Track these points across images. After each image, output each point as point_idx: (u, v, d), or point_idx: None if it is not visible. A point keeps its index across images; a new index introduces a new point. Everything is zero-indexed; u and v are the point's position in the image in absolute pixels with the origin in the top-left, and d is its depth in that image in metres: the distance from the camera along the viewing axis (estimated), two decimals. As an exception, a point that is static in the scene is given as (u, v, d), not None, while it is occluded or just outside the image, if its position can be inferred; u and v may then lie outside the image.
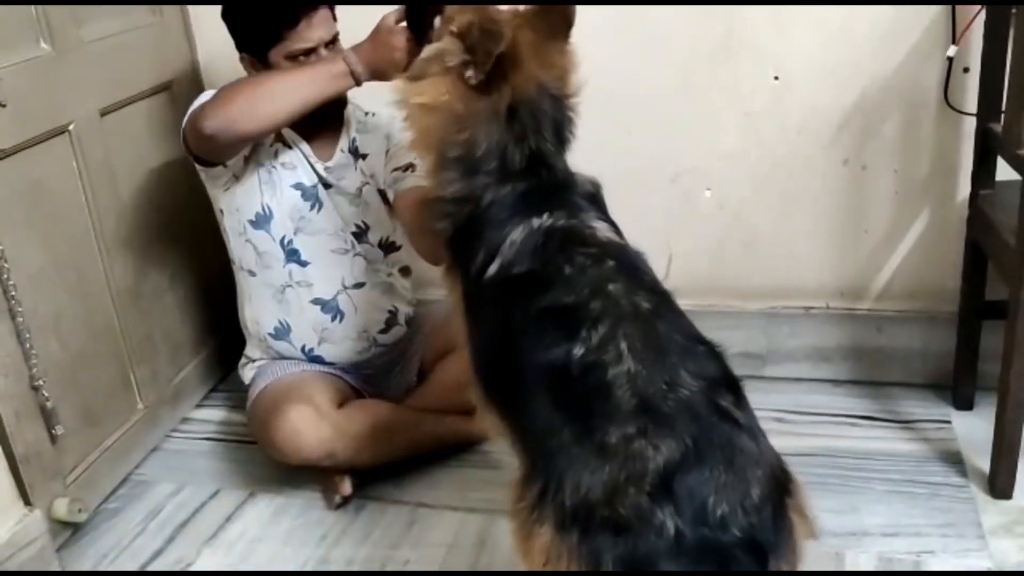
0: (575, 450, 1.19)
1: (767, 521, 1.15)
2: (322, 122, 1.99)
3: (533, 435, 1.29)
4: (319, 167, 2.03)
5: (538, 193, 1.44)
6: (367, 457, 2.00)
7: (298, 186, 2.01)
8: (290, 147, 2.01)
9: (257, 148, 1.98)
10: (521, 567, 1.25)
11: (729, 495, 1.13)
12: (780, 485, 1.19)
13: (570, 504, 1.16)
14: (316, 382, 2.04)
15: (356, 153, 2.09)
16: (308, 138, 2.03)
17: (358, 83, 1.78)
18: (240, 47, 1.97)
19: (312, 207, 2.03)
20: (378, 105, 2.05)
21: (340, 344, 2.10)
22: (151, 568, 1.90)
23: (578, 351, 1.24)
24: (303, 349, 2.10)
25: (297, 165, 2.01)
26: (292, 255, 2.04)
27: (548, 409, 1.25)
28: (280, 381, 2.06)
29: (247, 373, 2.17)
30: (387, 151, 2.09)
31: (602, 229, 1.46)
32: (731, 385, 1.25)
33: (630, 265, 1.40)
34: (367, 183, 2.10)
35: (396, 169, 2.06)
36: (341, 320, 2.08)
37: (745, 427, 1.20)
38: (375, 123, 2.12)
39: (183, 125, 1.90)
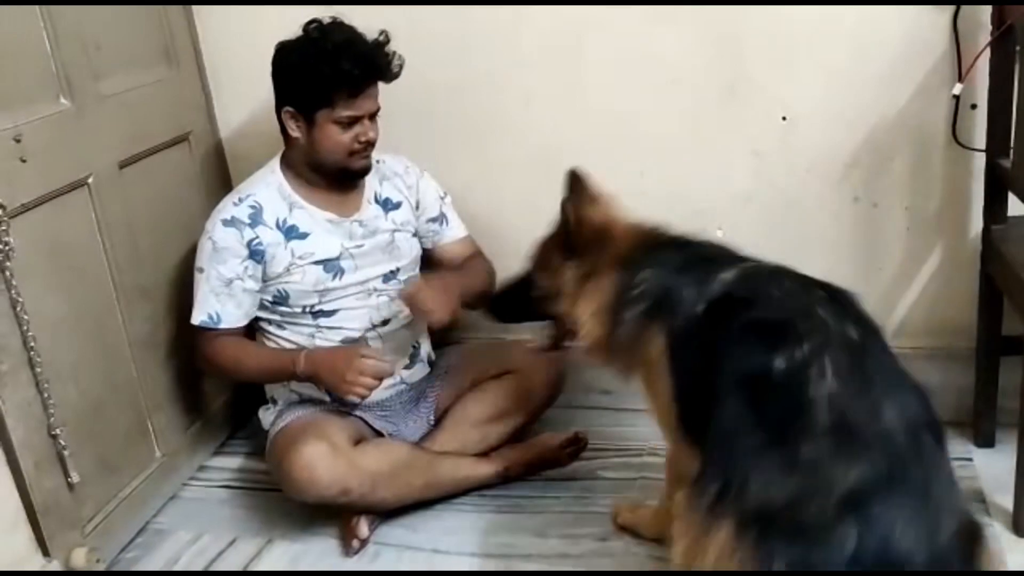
0: (764, 454, 1.18)
1: (952, 559, 1.13)
2: (343, 184, 2.09)
3: (720, 435, 1.29)
4: (348, 225, 2.09)
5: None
6: (382, 496, 2.00)
7: (320, 263, 2.06)
8: (308, 235, 2.06)
9: (268, 253, 2.04)
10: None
11: (917, 529, 1.12)
12: (970, 534, 1.18)
13: (753, 506, 1.16)
14: (333, 422, 2.05)
15: (386, 204, 2.16)
16: (330, 200, 2.09)
17: (295, 379, 2.05)
18: (285, 100, 2.01)
19: (335, 276, 2.08)
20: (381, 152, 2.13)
21: None
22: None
23: (780, 363, 1.24)
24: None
25: (318, 243, 2.06)
26: (318, 315, 2.10)
27: (741, 411, 1.26)
28: (298, 420, 2.07)
29: (267, 417, 2.18)
30: (416, 203, 2.20)
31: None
32: (934, 428, 1.25)
33: (840, 296, 1.43)
34: (398, 230, 2.16)
35: (431, 220, 2.21)
36: None
37: (944, 471, 1.20)
38: (390, 170, 2.19)
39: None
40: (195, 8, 2.37)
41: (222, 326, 2.04)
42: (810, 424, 1.19)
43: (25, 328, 1.78)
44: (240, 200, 2.05)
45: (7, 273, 1.74)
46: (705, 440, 1.36)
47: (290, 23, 1.99)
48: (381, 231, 2.13)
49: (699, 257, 1.59)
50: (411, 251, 2.19)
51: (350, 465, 1.95)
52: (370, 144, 2.03)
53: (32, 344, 1.79)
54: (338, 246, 2.07)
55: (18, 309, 1.76)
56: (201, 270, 2.05)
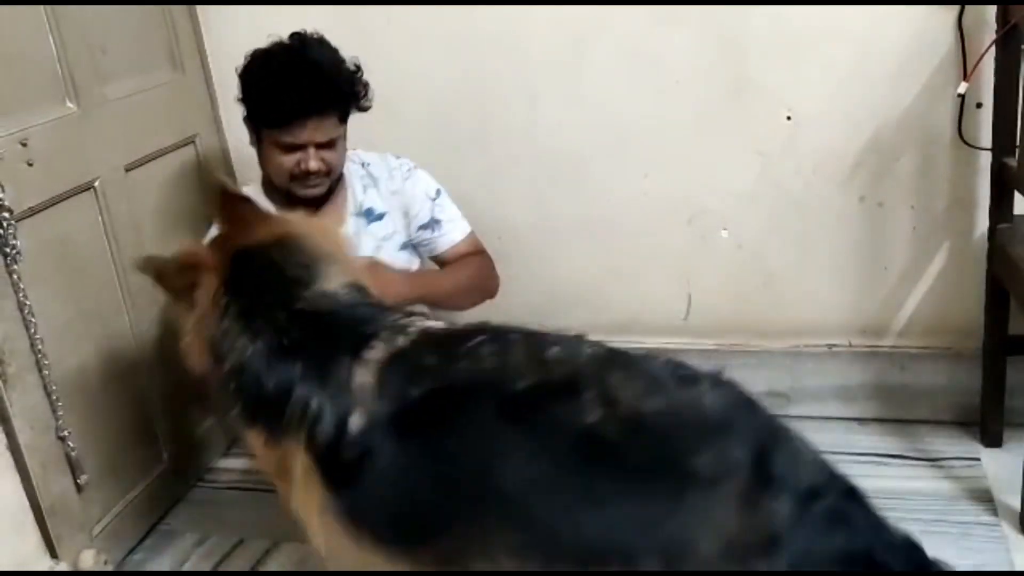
0: (683, 498, 1.14)
1: None
2: (321, 199, 1.98)
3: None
4: None
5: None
6: None
7: None
8: None
9: None
10: None
11: None
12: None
13: None
14: None
15: (368, 215, 2.06)
16: (314, 214, 1.93)
17: None
18: (245, 112, 1.97)
19: None
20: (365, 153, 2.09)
21: None
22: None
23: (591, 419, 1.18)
24: None
25: None
26: None
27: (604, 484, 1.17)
28: None
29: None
30: (404, 211, 2.08)
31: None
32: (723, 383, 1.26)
33: (533, 334, 1.35)
34: (380, 246, 2.05)
35: (422, 228, 2.08)
36: None
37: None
38: (372, 176, 2.08)
39: None
40: (200, 11, 2.38)
41: None
42: (684, 441, 1.15)
43: (33, 331, 1.78)
44: None
45: (14, 276, 1.75)
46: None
47: (295, 26, 2.00)
48: (363, 247, 2.00)
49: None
50: (402, 265, 2.07)
51: None
52: (310, 174, 1.90)
53: (39, 347, 1.80)
54: None
55: (25, 312, 1.77)
56: None
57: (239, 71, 1.95)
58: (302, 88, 1.84)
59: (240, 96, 1.95)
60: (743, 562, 1.08)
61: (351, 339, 1.35)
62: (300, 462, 1.33)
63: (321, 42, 1.92)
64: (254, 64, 1.91)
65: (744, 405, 1.21)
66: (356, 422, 1.28)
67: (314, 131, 1.87)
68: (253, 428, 1.39)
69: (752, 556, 1.08)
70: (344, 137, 1.97)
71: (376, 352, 1.33)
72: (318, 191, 1.96)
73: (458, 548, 1.24)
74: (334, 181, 1.99)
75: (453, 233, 2.12)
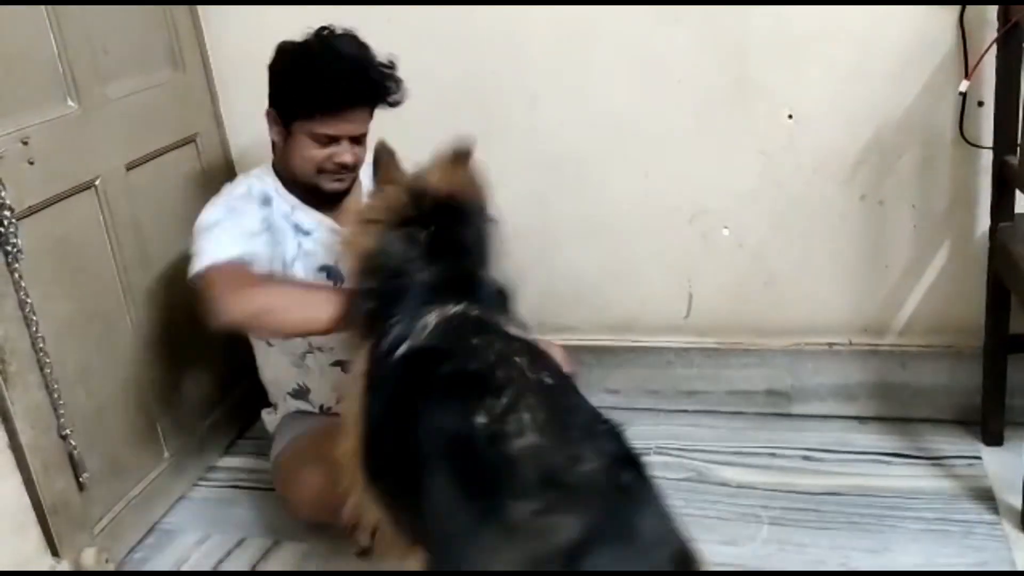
0: (481, 530, 1.15)
1: None
2: (342, 194, 1.99)
3: (435, 521, 1.26)
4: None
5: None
6: None
7: (324, 268, 1.98)
8: (311, 233, 1.97)
9: (279, 235, 1.94)
10: None
11: (635, 565, 1.11)
12: (684, 561, 1.17)
13: None
14: (331, 437, 1.99)
15: None
16: (332, 209, 1.99)
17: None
18: (272, 103, 1.94)
19: (337, 283, 1.97)
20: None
21: None
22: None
23: (481, 420, 1.23)
24: (321, 408, 2.10)
25: (321, 244, 1.97)
26: None
27: (448, 486, 1.23)
28: (302, 438, 2.03)
29: (270, 420, 2.18)
30: None
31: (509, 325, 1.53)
32: (631, 463, 1.22)
33: (536, 349, 1.45)
34: None
35: None
36: None
37: (649, 504, 1.19)
38: None
39: (191, 270, 1.83)
40: (201, 10, 2.38)
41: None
42: (519, 484, 1.16)
43: (34, 330, 1.79)
44: (247, 188, 1.96)
45: (15, 275, 1.75)
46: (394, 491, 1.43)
47: (296, 25, 1.99)
48: None
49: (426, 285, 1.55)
50: None
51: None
52: (344, 167, 1.91)
53: (41, 346, 1.80)
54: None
55: (26, 311, 1.77)
56: (217, 223, 1.85)
57: (271, 63, 1.92)
58: (347, 78, 1.84)
59: (275, 87, 1.92)
60: None
61: (460, 288, 1.53)
62: (360, 363, 1.53)
63: (354, 37, 1.91)
64: (293, 55, 1.89)
65: (618, 482, 1.19)
66: (402, 350, 1.46)
67: (351, 122, 1.88)
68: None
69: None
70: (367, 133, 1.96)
71: (454, 309, 1.49)
72: (343, 185, 1.96)
73: (398, 486, 1.40)
74: (353, 179, 1.99)
75: None
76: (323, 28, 1.91)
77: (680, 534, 1.18)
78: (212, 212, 1.90)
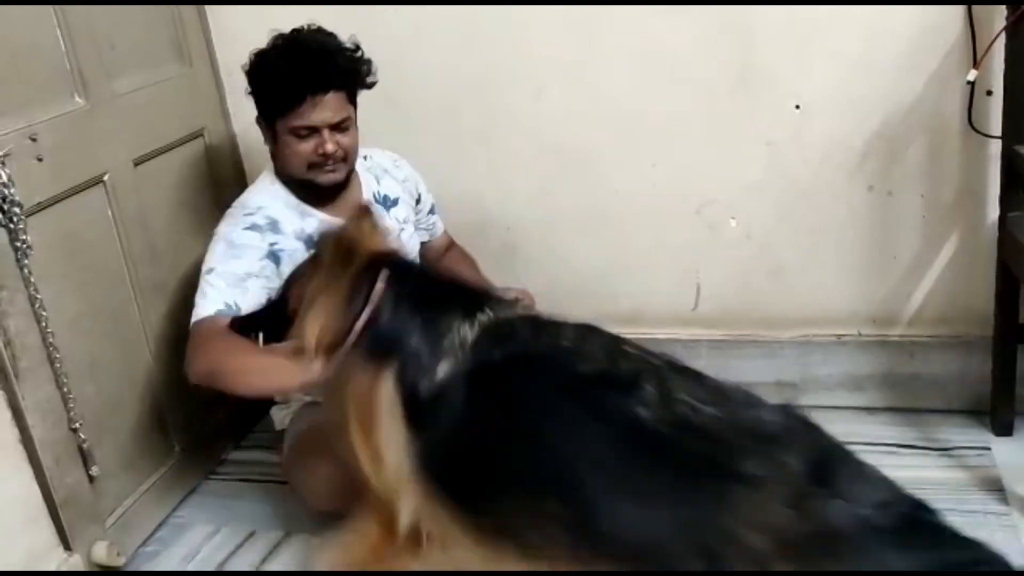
0: (733, 504, 1.17)
1: None
2: (339, 188, 2.02)
3: (626, 519, 1.24)
4: None
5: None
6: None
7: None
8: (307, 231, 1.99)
9: (297, 256, 1.94)
10: None
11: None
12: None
13: None
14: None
15: (385, 202, 2.12)
16: (334, 205, 2.01)
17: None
18: (257, 110, 2.00)
19: None
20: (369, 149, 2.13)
21: None
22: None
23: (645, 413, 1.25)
24: None
25: None
26: None
27: (654, 481, 1.23)
28: (313, 426, 2.04)
29: (279, 416, 2.19)
30: (417, 197, 2.19)
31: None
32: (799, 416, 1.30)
33: (617, 336, 1.47)
34: (402, 228, 2.12)
35: (431, 212, 2.22)
36: None
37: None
38: (379, 166, 2.15)
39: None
40: (207, 5, 2.38)
41: (243, 314, 1.85)
42: (736, 449, 1.20)
43: (44, 325, 1.80)
44: (253, 211, 1.98)
45: (25, 271, 1.76)
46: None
47: (302, 18, 2.00)
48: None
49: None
50: (414, 249, 2.15)
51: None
52: (329, 157, 1.93)
53: (51, 341, 1.81)
54: None
55: (36, 306, 1.78)
56: (211, 270, 1.91)
57: (247, 71, 1.98)
58: (304, 67, 1.88)
59: (254, 93, 1.99)
60: (801, 557, 1.08)
61: (467, 302, 1.52)
62: (387, 393, 1.46)
63: (318, 30, 1.96)
64: (258, 59, 1.96)
65: (805, 425, 1.23)
66: (443, 369, 1.42)
67: (323, 109, 1.90)
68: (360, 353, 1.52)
69: (812, 550, 1.08)
70: (355, 122, 1.99)
71: (485, 317, 1.49)
72: (337, 176, 1.98)
73: (515, 512, 1.33)
74: (349, 170, 2.02)
75: (441, 222, 2.27)
76: (293, 29, 1.96)
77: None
78: (214, 251, 1.94)
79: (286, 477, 2.13)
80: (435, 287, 1.63)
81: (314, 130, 1.91)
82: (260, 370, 1.72)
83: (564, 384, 1.34)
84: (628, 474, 1.23)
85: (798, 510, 1.11)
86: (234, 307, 1.85)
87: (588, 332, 1.44)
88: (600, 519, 1.23)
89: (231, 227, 1.96)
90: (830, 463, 1.17)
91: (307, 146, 1.92)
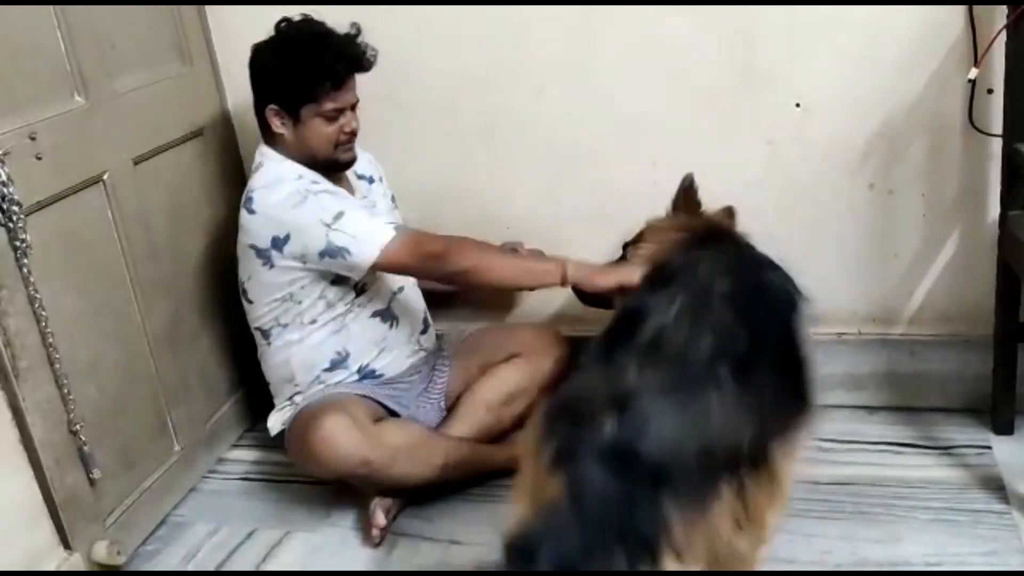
0: (592, 365, 1.36)
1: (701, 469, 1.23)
2: (335, 173, 2.13)
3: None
4: (362, 203, 2.15)
5: None
6: (401, 471, 2.00)
7: None
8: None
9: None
10: None
11: (673, 432, 1.23)
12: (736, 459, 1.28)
13: (561, 399, 1.34)
14: (353, 400, 2.07)
15: (370, 180, 2.25)
16: (340, 181, 2.14)
17: (562, 285, 1.96)
18: (268, 99, 2.03)
19: None
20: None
21: (395, 351, 2.19)
22: (189, 610, 1.92)
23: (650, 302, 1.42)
24: (360, 369, 2.15)
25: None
26: (361, 290, 2.13)
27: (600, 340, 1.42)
28: (317, 400, 2.08)
29: (275, 421, 2.20)
30: (381, 178, 2.30)
31: None
32: (741, 365, 1.35)
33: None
34: (389, 207, 2.27)
35: (392, 199, 2.33)
36: (396, 326, 2.18)
37: (727, 400, 1.29)
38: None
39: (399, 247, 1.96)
40: (207, 5, 2.38)
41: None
42: (634, 341, 1.32)
43: (43, 325, 1.80)
44: (299, 176, 2.04)
45: (24, 270, 1.76)
46: None
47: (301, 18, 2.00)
48: (379, 205, 2.23)
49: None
50: (398, 219, 2.27)
51: (370, 438, 1.97)
52: (353, 135, 2.07)
53: (51, 341, 1.81)
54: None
55: (36, 306, 1.78)
56: (341, 214, 1.96)
57: (255, 65, 2.03)
58: (339, 51, 1.99)
59: (268, 83, 2.03)
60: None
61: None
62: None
63: (315, 19, 2.05)
64: (276, 49, 2.02)
65: None
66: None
67: (351, 91, 2.04)
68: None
69: None
70: None
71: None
72: (354, 153, 2.12)
73: None
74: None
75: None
76: (282, 20, 2.04)
77: (747, 436, 1.25)
78: (320, 203, 1.98)
79: (290, 445, 2.12)
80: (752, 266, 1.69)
81: (340, 111, 2.03)
82: (527, 269, 2.06)
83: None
84: None
85: None
86: (399, 223, 2.08)
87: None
88: None
89: (304, 188, 2.00)
90: None
91: (335, 127, 2.03)
